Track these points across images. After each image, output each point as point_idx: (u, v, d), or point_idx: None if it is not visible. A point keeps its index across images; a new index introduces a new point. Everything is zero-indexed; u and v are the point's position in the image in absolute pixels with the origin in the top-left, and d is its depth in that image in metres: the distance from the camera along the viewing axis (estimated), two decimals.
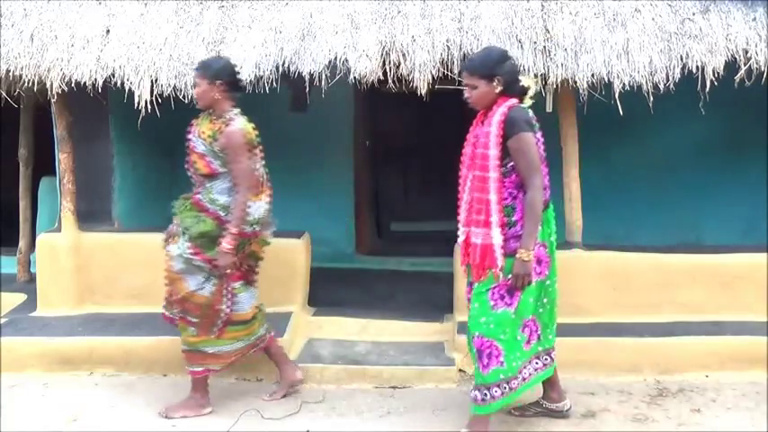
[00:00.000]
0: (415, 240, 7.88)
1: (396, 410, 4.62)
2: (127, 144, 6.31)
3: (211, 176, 4.41)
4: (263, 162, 4.64)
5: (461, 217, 4.22)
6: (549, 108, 5.34)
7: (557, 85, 5.05)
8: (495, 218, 3.91)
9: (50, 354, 5.15)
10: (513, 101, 3.96)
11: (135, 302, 5.57)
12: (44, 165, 6.62)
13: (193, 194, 4.51)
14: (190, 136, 4.51)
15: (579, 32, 5.08)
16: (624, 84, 4.94)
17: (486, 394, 4.02)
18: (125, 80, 5.13)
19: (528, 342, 4.11)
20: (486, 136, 3.93)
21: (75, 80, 5.13)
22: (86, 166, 5.93)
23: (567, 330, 5.21)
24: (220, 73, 4.43)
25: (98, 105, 5.78)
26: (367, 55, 5.04)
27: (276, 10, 5.34)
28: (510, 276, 3.92)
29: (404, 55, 5.05)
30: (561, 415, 4.43)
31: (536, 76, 4.99)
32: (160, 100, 5.14)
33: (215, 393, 4.75)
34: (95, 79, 5.14)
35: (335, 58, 5.05)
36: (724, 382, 4.94)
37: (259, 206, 4.51)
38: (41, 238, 5.78)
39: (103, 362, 5.16)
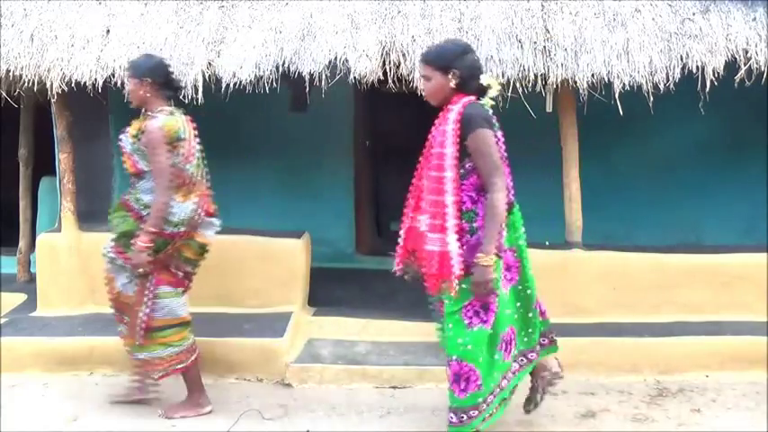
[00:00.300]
0: None
1: (396, 410, 4.62)
2: None
3: (138, 175, 4.38)
4: (199, 161, 4.51)
5: (405, 220, 3.99)
6: (549, 108, 5.35)
7: (557, 85, 5.05)
8: (451, 222, 3.60)
9: (50, 354, 5.15)
10: (471, 98, 3.72)
11: None
12: (44, 165, 6.62)
13: (124, 195, 4.53)
14: (121, 136, 4.51)
15: (579, 32, 5.08)
16: (624, 84, 4.94)
17: (462, 417, 3.81)
18: (125, 80, 5.12)
19: (508, 354, 3.86)
20: (442, 134, 3.69)
21: (75, 80, 5.13)
22: (86, 166, 5.93)
23: (567, 330, 5.21)
24: (148, 71, 4.41)
25: (98, 105, 5.78)
26: (367, 55, 5.04)
27: (276, 10, 5.34)
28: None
29: (404, 55, 5.05)
30: (555, 376, 4.25)
31: (536, 76, 5.00)
32: None
33: (215, 393, 4.75)
34: (95, 79, 5.14)
35: (335, 58, 5.05)
36: (724, 382, 4.94)
37: (185, 207, 4.35)
38: (41, 238, 5.78)
39: (103, 362, 5.15)
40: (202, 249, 4.53)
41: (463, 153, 3.64)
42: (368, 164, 7.74)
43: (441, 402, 4.68)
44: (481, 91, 3.77)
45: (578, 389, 4.88)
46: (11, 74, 5.22)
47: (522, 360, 4.07)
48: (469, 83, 3.73)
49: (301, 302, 5.65)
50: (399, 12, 5.22)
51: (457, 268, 3.58)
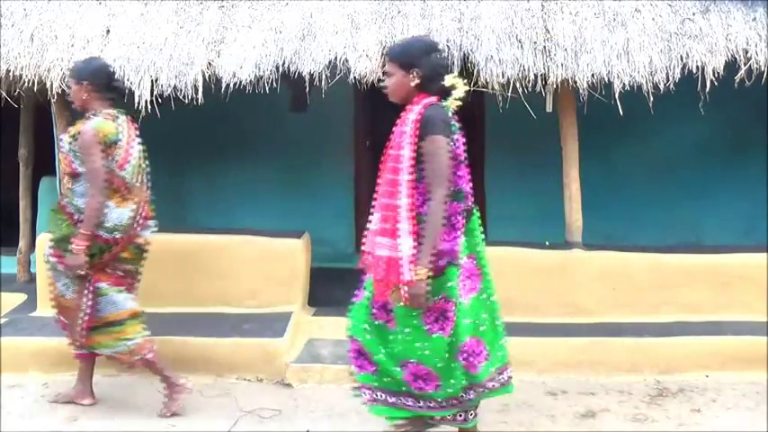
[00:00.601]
0: None
1: None
2: None
3: (74, 176, 4.39)
4: (138, 166, 4.48)
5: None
6: (549, 108, 5.35)
7: (557, 85, 5.05)
8: (404, 226, 3.42)
9: (50, 354, 5.14)
10: (433, 99, 3.57)
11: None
12: (44, 165, 6.61)
13: (61, 199, 4.55)
14: (61, 135, 4.54)
15: (579, 32, 5.08)
16: (624, 84, 4.95)
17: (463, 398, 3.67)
18: (125, 80, 5.13)
19: (473, 367, 3.62)
20: (400, 135, 3.55)
21: None
22: None
23: (568, 330, 5.22)
24: (88, 75, 4.42)
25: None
26: (367, 55, 5.04)
27: (276, 10, 5.34)
28: (437, 298, 3.50)
29: None
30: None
31: (536, 76, 5.00)
32: (160, 100, 5.14)
33: (215, 393, 4.75)
34: None
35: (335, 58, 5.05)
36: (724, 382, 4.94)
37: (120, 213, 4.35)
38: (41, 238, 5.77)
39: (103, 362, 5.14)
40: (140, 250, 4.54)
41: (420, 155, 3.50)
42: (368, 164, 7.73)
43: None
44: (445, 92, 3.63)
45: (578, 389, 4.88)
46: (11, 74, 5.22)
47: (502, 378, 3.82)
48: (432, 83, 3.59)
49: (301, 302, 5.65)
50: (399, 12, 5.22)
51: (407, 275, 3.40)
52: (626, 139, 6.84)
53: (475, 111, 7.07)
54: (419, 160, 3.48)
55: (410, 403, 3.70)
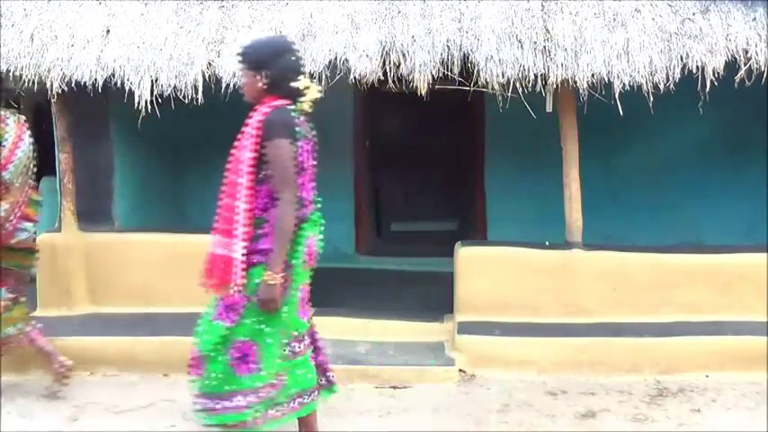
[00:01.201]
0: (415, 240, 7.88)
1: (396, 410, 4.62)
2: (127, 144, 6.30)
3: None
4: (22, 167, 4.55)
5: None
6: (549, 108, 5.35)
7: (557, 85, 5.05)
8: (241, 230, 3.44)
9: None
10: (282, 102, 3.50)
11: (135, 302, 5.56)
12: (44, 165, 6.61)
13: None
14: None
15: (579, 32, 5.08)
16: (624, 84, 4.94)
17: (205, 404, 3.57)
18: (125, 80, 5.13)
19: (242, 370, 3.51)
20: (243, 138, 3.52)
21: (76, 80, 5.13)
22: (86, 166, 5.93)
23: (568, 330, 5.22)
24: None
25: (98, 105, 5.78)
26: (367, 55, 5.04)
27: (276, 10, 5.34)
28: (251, 295, 3.49)
29: (404, 55, 5.05)
30: None
31: (536, 76, 5.00)
32: (160, 100, 5.14)
33: None
34: (95, 79, 5.14)
35: (335, 58, 5.05)
36: (724, 382, 4.94)
37: None
38: (41, 238, 5.76)
39: (103, 362, 5.15)
40: (19, 251, 4.63)
41: (261, 159, 3.47)
42: (368, 164, 7.74)
43: (441, 402, 4.69)
44: (296, 94, 3.55)
45: (578, 389, 4.88)
46: (11, 74, 5.22)
47: (303, 399, 3.74)
48: (281, 85, 3.51)
49: None
50: (399, 12, 5.22)
51: (239, 277, 3.44)
52: (626, 140, 6.84)
53: (475, 111, 7.09)
54: (262, 162, 3.46)
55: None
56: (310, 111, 3.61)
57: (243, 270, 3.45)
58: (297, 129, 3.51)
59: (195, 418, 3.65)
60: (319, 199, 3.73)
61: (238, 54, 3.64)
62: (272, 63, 3.51)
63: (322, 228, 3.71)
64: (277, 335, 3.56)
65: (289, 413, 3.71)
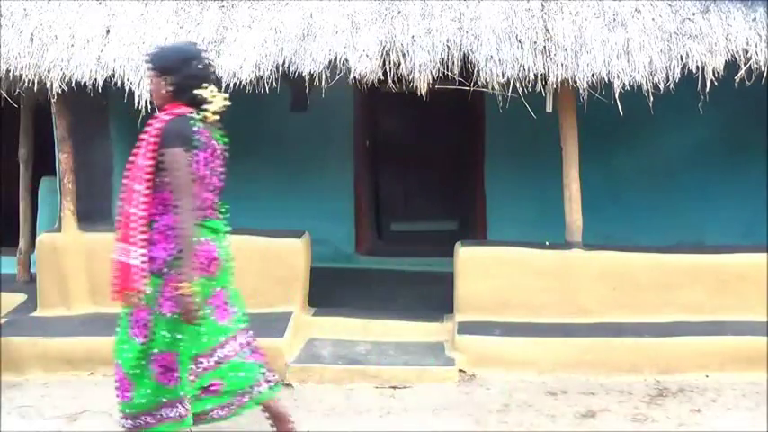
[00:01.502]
0: (415, 240, 7.88)
1: (396, 410, 4.62)
2: (127, 144, 6.27)
3: None
4: None
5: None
6: (549, 108, 5.35)
7: (557, 85, 5.05)
8: (138, 236, 3.42)
9: (50, 354, 5.15)
10: (184, 110, 3.47)
11: None
12: (44, 165, 6.62)
13: None
14: None
15: (579, 32, 5.08)
16: (624, 84, 4.94)
17: (136, 423, 3.53)
18: (125, 80, 5.14)
19: (169, 381, 3.49)
20: (143, 144, 3.49)
21: (76, 80, 5.13)
22: (86, 166, 5.93)
23: (568, 330, 5.22)
24: None
25: (98, 105, 5.78)
26: (367, 55, 5.04)
27: (276, 10, 5.34)
28: (151, 306, 3.47)
29: (404, 55, 5.05)
30: None
31: (536, 76, 5.00)
32: None
33: None
34: (95, 79, 5.15)
35: (335, 58, 5.05)
36: (724, 382, 4.93)
37: None
38: (41, 238, 5.78)
39: (103, 362, 5.12)
40: None
41: (158, 167, 3.45)
42: (368, 164, 7.74)
43: (441, 402, 4.69)
44: (201, 102, 3.51)
45: (578, 389, 4.88)
46: (11, 74, 5.22)
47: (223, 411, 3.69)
48: (184, 93, 3.49)
49: (301, 302, 5.65)
50: (399, 12, 5.22)
51: (140, 283, 3.42)
52: (626, 140, 6.84)
53: (475, 111, 7.09)
54: (160, 170, 3.44)
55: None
56: (215, 120, 3.58)
57: (144, 277, 3.41)
58: (195, 138, 3.45)
59: None
60: (226, 207, 3.74)
61: (146, 59, 3.63)
62: (177, 70, 3.48)
63: (225, 236, 3.70)
64: (191, 342, 3.52)
65: (237, 408, 3.68)
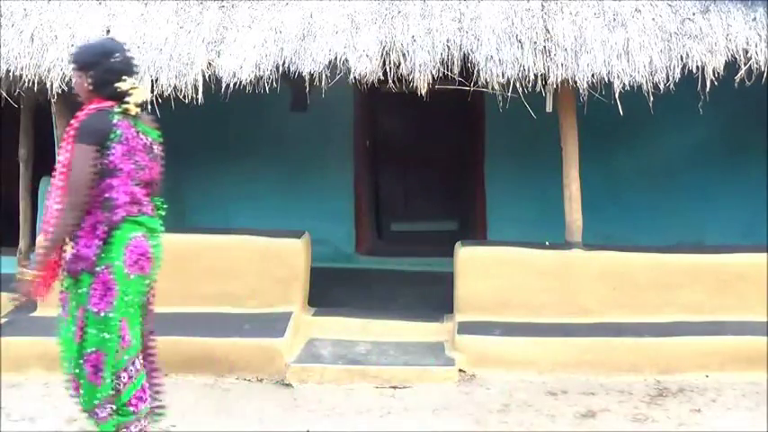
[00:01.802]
0: (415, 240, 7.88)
1: (396, 410, 4.62)
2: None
3: None
4: None
5: None
6: (549, 108, 5.35)
7: (557, 85, 5.05)
8: (47, 228, 3.48)
9: (50, 354, 5.10)
10: (105, 104, 3.51)
11: None
12: (44, 165, 6.61)
13: None
14: None
15: (579, 32, 5.08)
16: (624, 84, 4.94)
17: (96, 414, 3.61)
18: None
19: (98, 381, 3.57)
20: (65, 139, 3.54)
21: None
22: None
23: (568, 330, 5.22)
24: None
25: None
26: (367, 55, 5.04)
27: (276, 10, 5.34)
28: (75, 304, 3.59)
29: (404, 55, 5.05)
30: None
31: (536, 76, 5.00)
32: (160, 100, 5.14)
33: (215, 393, 4.75)
34: None
35: (335, 58, 5.05)
36: (724, 382, 4.93)
37: None
38: (41, 239, 5.77)
39: None
40: None
41: None
42: (368, 164, 7.75)
43: (441, 402, 4.69)
44: (122, 96, 3.54)
45: (578, 389, 4.88)
46: (11, 74, 5.22)
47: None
48: (104, 87, 3.52)
49: (301, 302, 5.65)
50: (399, 12, 5.22)
51: (61, 275, 3.52)
52: (626, 140, 6.84)
53: (475, 111, 7.09)
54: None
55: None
56: (141, 112, 3.62)
57: (65, 272, 3.49)
58: (112, 131, 3.48)
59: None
60: (162, 205, 3.77)
61: (70, 56, 3.68)
62: (96, 65, 3.54)
63: (159, 234, 3.72)
64: (116, 342, 3.58)
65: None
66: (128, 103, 3.53)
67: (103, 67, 3.53)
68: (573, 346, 5.11)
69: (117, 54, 3.60)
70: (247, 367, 5.04)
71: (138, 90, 3.57)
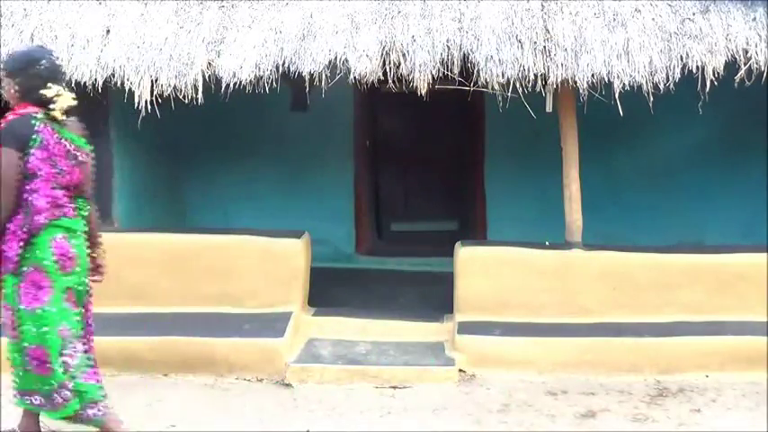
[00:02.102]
0: (415, 240, 7.89)
1: (396, 410, 4.62)
2: (127, 144, 6.31)
3: None
4: None
5: None
6: (549, 108, 5.35)
7: (557, 85, 5.05)
8: None
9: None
10: (30, 109, 3.60)
11: (135, 302, 5.55)
12: None
13: None
14: None
15: (579, 32, 5.08)
16: (624, 84, 4.94)
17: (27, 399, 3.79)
18: (125, 80, 5.14)
19: (45, 372, 3.67)
20: None
21: (75, 80, 5.13)
22: None
23: (568, 330, 5.22)
24: None
25: (98, 105, 5.78)
26: (367, 55, 5.04)
27: (276, 10, 5.34)
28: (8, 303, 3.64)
29: (404, 55, 5.05)
30: None
31: (536, 76, 5.00)
32: (160, 100, 5.15)
33: (215, 393, 4.75)
34: (95, 79, 5.15)
35: (335, 58, 5.05)
36: (724, 382, 4.94)
37: None
38: None
39: (103, 362, 5.10)
40: None
41: None
42: (368, 164, 7.75)
43: (441, 402, 4.69)
44: (47, 102, 3.61)
45: (578, 389, 4.88)
46: None
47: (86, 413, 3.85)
48: (30, 93, 3.62)
49: (301, 302, 5.65)
50: (399, 12, 5.22)
51: None
52: (626, 140, 6.85)
53: (475, 111, 7.09)
54: None
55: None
56: (66, 119, 3.68)
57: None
58: (32, 136, 3.56)
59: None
60: (84, 206, 3.80)
61: (0, 62, 3.78)
62: (22, 71, 3.63)
63: (82, 234, 3.76)
64: (56, 332, 3.66)
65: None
66: (53, 109, 3.61)
67: (29, 73, 3.63)
68: (573, 346, 5.11)
69: (43, 61, 3.69)
70: (247, 367, 5.04)
71: (62, 97, 3.65)
